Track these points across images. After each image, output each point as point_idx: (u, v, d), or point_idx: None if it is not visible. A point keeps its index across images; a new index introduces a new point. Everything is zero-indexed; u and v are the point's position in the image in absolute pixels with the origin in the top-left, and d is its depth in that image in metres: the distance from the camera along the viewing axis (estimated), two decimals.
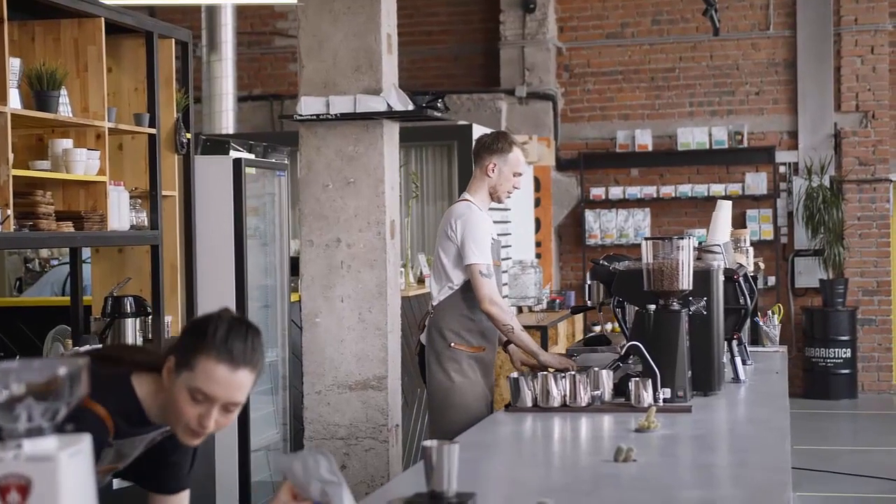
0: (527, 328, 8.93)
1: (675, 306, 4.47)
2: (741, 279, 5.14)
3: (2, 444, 1.79)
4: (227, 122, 10.48)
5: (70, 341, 5.50)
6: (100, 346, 5.14)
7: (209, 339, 2.58)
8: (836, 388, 12.25)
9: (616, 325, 10.96)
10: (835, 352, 12.25)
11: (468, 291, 5.19)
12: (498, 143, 5.35)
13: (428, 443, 2.76)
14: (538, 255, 12.33)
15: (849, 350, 12.27)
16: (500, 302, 5.17)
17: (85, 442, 1.84)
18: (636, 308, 4.60)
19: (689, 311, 4.51)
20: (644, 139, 12.93)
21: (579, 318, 11.67)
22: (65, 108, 5.01)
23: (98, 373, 2.67)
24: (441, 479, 2.76)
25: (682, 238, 4.49)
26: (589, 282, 5.27)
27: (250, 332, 2.65)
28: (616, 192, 12.95)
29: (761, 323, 6.48)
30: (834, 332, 12.28)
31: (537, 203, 12.49)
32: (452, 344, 5.25)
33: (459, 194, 10.07)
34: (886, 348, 12.68)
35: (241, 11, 12.65)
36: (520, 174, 5.40)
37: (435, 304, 5.38)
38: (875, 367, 12.65)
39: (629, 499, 2.98)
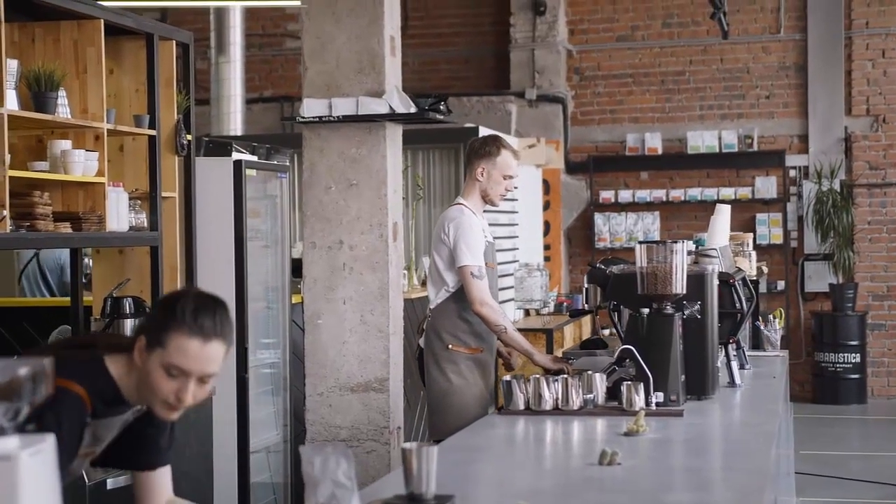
0: (533, 331, 9.00)
1: (669, 310, 4.46)
2: (738, 283, 5.13)
3: None
4: (234, 123, 10.51)
5: None
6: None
7: (178, 316, 2.68)
8: (845, 393, 12.22)
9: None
10: (844, 356, 12.22)
11: (464, 294, 5.23)
12: (486, 146, 5.40)
13: (407, 445, 2.78)
14: (547, 258, 12.33)
15: (858, 355, 12.23)
16: (492, 303, 5.20)
17: (47, 442, 1.85)
18: (630, 312, 4.60)
19: (683, 314, 4.51)
20: (654, 142, 12.92)
21: (587, 321, 11.66)
22: (63, 110, 5.03)
23: (74, 357, 2.74)
24: (420, 481, 2.77)
25: (677, 242, 4.48)
26: (586, 285, 5.27)
27: (217, 306, 2.74)
28: (626, 195, 12.94)
29: (762, 327, 6.46)
30: (843, 337, 12.24)
31: (547, 206, 12.49)
32: (450, 346, 5.29)
33: None
34: None
35: (252, 13, 12.69)
36: (510, 177, 5.42)
37: (432, 307, 5.41)
38: (885, 371, 12.61)
39: (609, 502, 2.98)
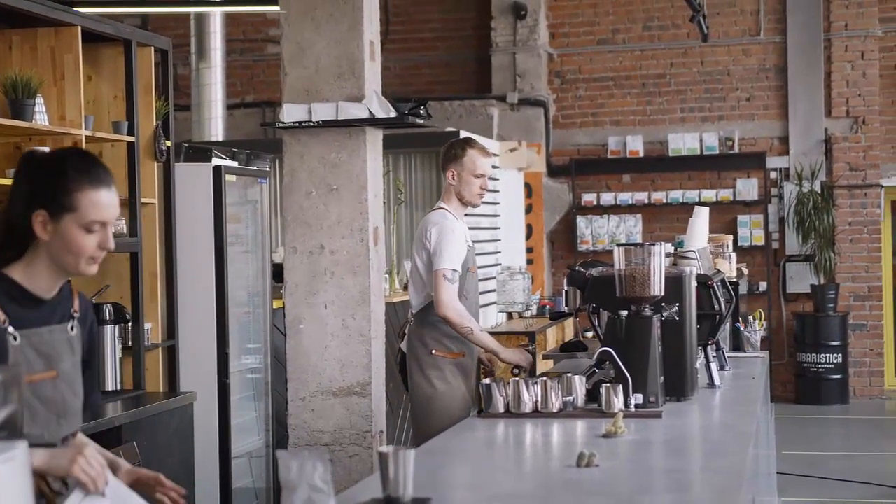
0: (515, 334, 9.01)
1: (647, 312, 4.47)
2: (717, 285, 5.15)
3: None
4: (216, 129, 10.51)
5: None
6: None
7: (75, 176, 2.71)
8: (827, 394, 12.26)
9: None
10: (826, 357, 12.26)
11: None
12: (452, 150, 5.48)
13: (383, 449, 2.79)
14: (530, 262, 12.35)
15: (840, 355, 12.28)
16: (457, 306, 5.25)
17: (20, 449, 1.86)
18: (609, 314, 4.61)
19: (662, 316, 4.52)
20: (635, 145, 12.95)
21: (569, 323, 11.68)
22: (41, 117, 5.03)
23: None
24: (397, 485, 2.78)
25: (654, 244, 4.50)
26: (566, 288, 5.29)
27: (91, 155, 2.83)
28: (608, 198, 12.96)
29: (742, 329, 6.48)
30: (825, 338, 12.28)
31: (529, 209, 12.52)
32: (434, 351, 5.32)
33: None
34: (878, 353, 12.68)
35: (233, 19, 12.69)
36: (482, 175, 5.46)
37: (414, 311, 5.43)
38: (866, 372, 12.66)
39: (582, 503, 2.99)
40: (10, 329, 2.68)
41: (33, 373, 2.69)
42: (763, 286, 12.59)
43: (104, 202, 2.73)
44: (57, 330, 2.79)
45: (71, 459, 2.55)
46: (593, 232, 13.02)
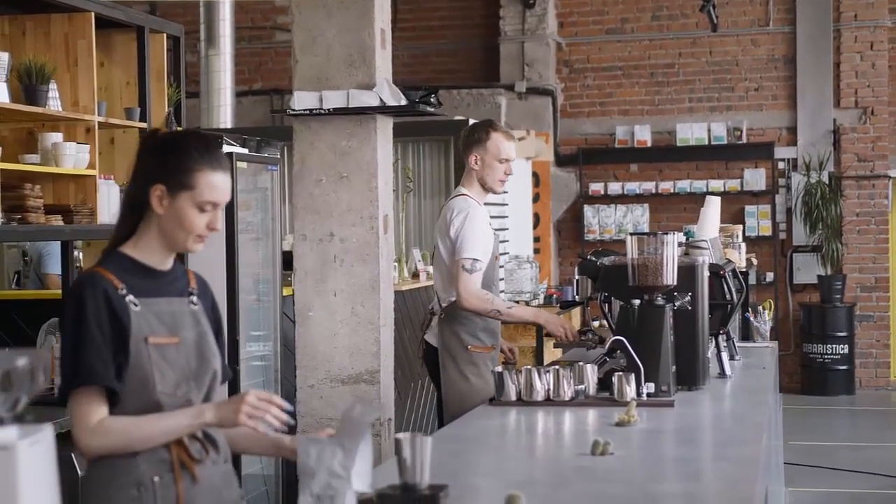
0: (523, 323, 8.98)
1: (660, 301, 4.47)
2: (728, 275, 5.14)
3: None
4: (225, 116, 10.50)
5: None
6: None
7: (193, 158, 2.82)
8: (833, 384, 12.27)
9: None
10: (832, 348, 12.26)
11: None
12: (475, 133, 5.33)
13: (400, 435, 2.79)
14: (537, 251, 12.35)
15: (846, 346, 12.29)
16: (479, 293, 5.11)
17: (45, 432, 1.86)
18: (621, 303, 4.61)
19: (674, 306, 4.51)
20: (643, 135, 12.94)
21: (577, 312, 11.68)
22: (54, 102, 5.03)
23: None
24: (413, 472, 2.79)
25: (667, 234, 4.49)
26: (577, 277, 5.28)
27: (210, 136, 2.99)
28: (615, 187, 12.96)
29: (752, 319, 6.48)
30: (832, 328, 12.29)
31: (536, 198, 12.51)
32: (469, 347, 5.22)
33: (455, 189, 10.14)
34: (884, 344, 12.68)
35: (241, 6, 12.68)
36: (506, 160, 5.33)
37: (444, 304, 5.32)
38: (873, 363, 12.66)
39: (602, 491, 2.99)
40: (130, 297, 2.79)
41: (157, 337, 2.81)
42: (770, 277, 12.59)
43: (220, 184, 2.85)
44: (176, 302, 2.90)
45: (235, 410, 2.74)
46: (600, 221, 13.02)
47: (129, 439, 2.76)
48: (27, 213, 4.82)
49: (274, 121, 12.88)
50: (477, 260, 5.14)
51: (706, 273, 4.77)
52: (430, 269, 8.48)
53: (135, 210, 2.87)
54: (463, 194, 5.33)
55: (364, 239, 5.79)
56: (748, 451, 3.40)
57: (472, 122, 10.10)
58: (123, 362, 2.76)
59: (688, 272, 4.62)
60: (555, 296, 11.21)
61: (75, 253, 6.25)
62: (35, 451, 1.82)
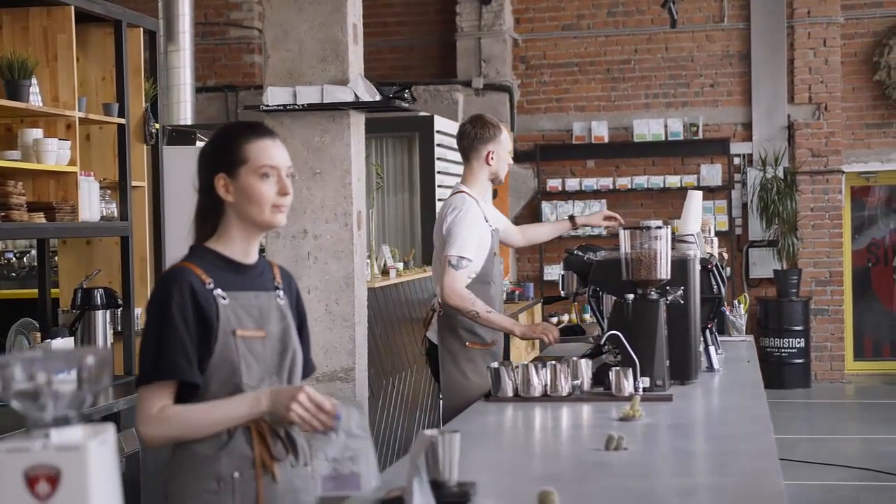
0: None
1: (654, 295, 4.48)
2: (714, 268, 5.17)
3: (28, 433, 1.77)
4: (185, 113, 10.37)
5: (39, 334, 5.42)
6: None
7: (238, 135, 2.88)
8: (790, 378, 12.38)
9: (575, 315, 11.03)
10: (789, 341, 12.39)
11: (477, 286, 5.13)
12: (487, 130, 5.28)
13: (429, 432, 2.76)
14: None
15: (802, 340, 12.41)
16: (462, 292, 5.04)
17: (110, 432, 1.82)
18: (614, 298, 4.61)
19: (667, 300, 4.53)
20: (600, 131, 12.99)
21: (537, 308, 11.72)
22: (35, 98, 4.94)
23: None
24: (444, 468, 2.76)
25: (661, 227, 4.50)
26: (562, 272, 5.27)
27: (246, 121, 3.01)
28: (572, 183, 13.00)
29: (728, 313, 6.52)
30: (788, 322, 12.40)
31: (494, 195, 12.42)
32: (468, 343, 5.18)
33: (420, 185, 10.12)
34: (839, 338, 12.83)
35: (195, 2, 12.54)
36: (509, 152, 5.40)
37: (442, 303, 5.28)
38: (828, 356, 12.80)
39: (626, 486, 2.99)
40: (218, 291, 2.81)
41: (245, 330, 2.82)
42: (727, 271, 12.67)
43: (270, 147, 2.87)
44: (263, 296, 2.89)
45: (287, 407, 2.70)
46: (558, 217, 13.03)
47: (186, 427, 2.77)
48: (10, 211, 4.72)
49: (229, 117, 12.77)
50: (463, 257, 5.08)
51: (697, 266, 4.80)
52: (400, 265, 8.46)
53: (211, 211, 2.88)
54: (462, 191, 5.27)
55: (338, 236, 5.77)
56: (762, 445, 3.42)
57: (437, 118, 10.10)
58: (206, 355, 2.78)
59: (680, 266, 4.64)
60: (516, 292, 11.24)
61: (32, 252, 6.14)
62: (103, 451, 1.79)
